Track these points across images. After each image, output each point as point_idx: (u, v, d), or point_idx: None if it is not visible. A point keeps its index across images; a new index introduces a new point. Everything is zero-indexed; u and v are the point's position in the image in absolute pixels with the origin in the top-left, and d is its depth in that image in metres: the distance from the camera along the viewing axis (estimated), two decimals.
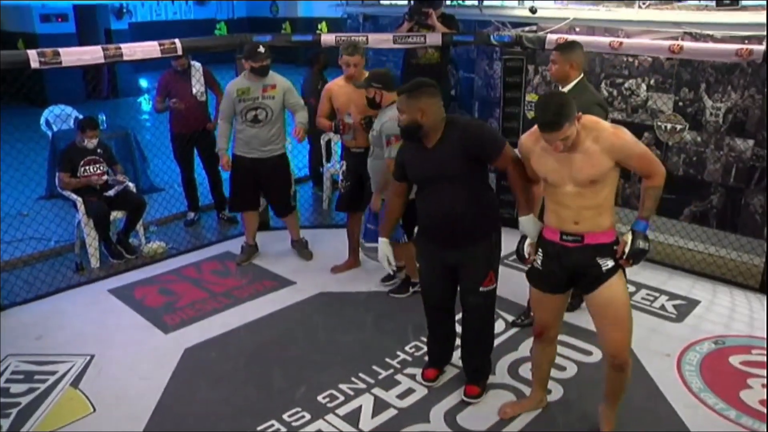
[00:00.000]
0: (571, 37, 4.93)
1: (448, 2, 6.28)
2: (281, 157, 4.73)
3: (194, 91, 5.42)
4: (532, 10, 5.36)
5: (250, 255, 4.91)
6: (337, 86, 4.37)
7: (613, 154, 2.54)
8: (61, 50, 4.09)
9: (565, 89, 3.83)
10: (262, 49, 4.47)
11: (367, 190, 4.21)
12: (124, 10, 13.51)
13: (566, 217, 2.63)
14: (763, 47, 4.11)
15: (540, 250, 2.78)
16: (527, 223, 2.84)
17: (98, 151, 5.00)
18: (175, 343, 3.81)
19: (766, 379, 3.36)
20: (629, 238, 2.59)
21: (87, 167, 4.94)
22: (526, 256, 2.83)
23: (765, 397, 3.24)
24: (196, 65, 5.46)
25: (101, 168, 4.99)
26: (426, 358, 3.49)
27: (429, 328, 3.33)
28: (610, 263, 2.63)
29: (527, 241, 2.84)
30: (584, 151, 2.55)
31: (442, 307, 3.22)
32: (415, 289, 4.19)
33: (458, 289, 3.13)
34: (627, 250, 2.58)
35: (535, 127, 2.64)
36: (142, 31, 12.95)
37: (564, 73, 3.81)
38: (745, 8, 4.50)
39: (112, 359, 3.64)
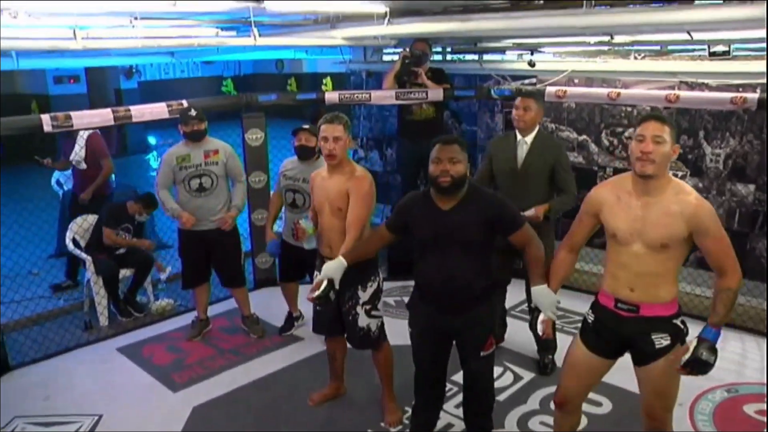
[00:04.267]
0: (570, 89, 5.05)
1: (448, 57, 6.43)
2: (231, 227, 4.46)
3: (71, 156, 5.40)
4: (531, 64, 5.49)
5: (201, 329, 4.64)
6: (318, 178, 3.43)
7: (691, 222, 2.38)
8: (72, 114, 4.19)
9: (528, 138, 3.92)
10: (193, 113, 4.25)
11: (345, 312, 3.40)
12: (134, 71, 13.86)
13: (623, 280, 2.49)
14: (756, 95, 4.20)
15: (592, 312, 2.65)
16: (540, 293, 2.73)
17: (137, 224, 5.12)
18: (184, 401, 3.79)
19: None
20: (693, 344, 2.36)
21: (121, 232, 5.04)
22: (540, 334, 2.76)
23: None
24: (83, 132, 5.27)
25: (129, 237, 5.09)
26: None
27: (417, 393, 3.18)
28: (666, 342, 2.46)
29: (541, 317, 2.72)
30: (663, 208, 2.41)
31: (435, 371, 3.10)
32: (298, 324, 4.61)
33: (452, 353, 3.07)
34: (686, 357, 2.35)
35: (613, 178, 2.60)
36: (151, 90, 13.30)
37: (535, 121, 3.90)
38: (736, 58, 4.59)
39: (121, 419, 3.62)
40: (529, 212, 3.74)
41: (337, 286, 3.01)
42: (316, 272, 3.42)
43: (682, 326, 2.51)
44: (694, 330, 2.48)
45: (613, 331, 2.56)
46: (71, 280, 5.56)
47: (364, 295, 3.27)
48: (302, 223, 3.47)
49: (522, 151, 3.94)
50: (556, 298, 2.72)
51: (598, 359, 2.62)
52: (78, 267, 5.52)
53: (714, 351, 2.36)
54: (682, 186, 2.47)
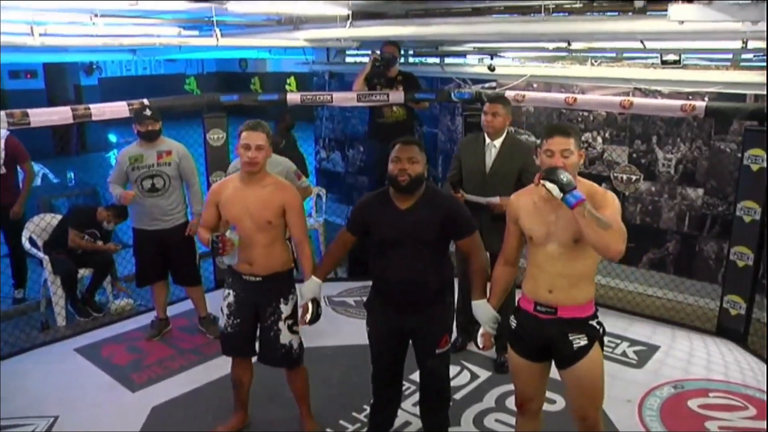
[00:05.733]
0: (528, 94, 5.17)
1: (411, 60, 6.51)
2: (184, 225, 4.43)
3: None
4: (491, 68, 5.60)
5: (160, 329, 4.59)
6: (230, 188, 3.16)
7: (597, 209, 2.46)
8: (30, 111, 4.13)
9: (497, 141, 3.97)
10: (148, 112, 4.20)
11: (265, 328, 3.20)
12: (94, 67, 13.62)
13: (542, 282, 2.58)
14: (704, 103, 4.37)
15: (515, 318, 2.72)
16: (479, 308, 2.83)
17: (104, 231, 5.05)
18: (143, 401, 3.77)
19: None
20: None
21: (86, 237, 4.97)
22: (480, 347, 2.85)
23: None
24: (2, 133, 4.88)
25: (90, 239, 5.01)
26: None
27: (375, 392, 3.21)
28: (583, 341, 2.56)
29: (480, 330, 2.83)
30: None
31: (392, 370, 3.15)
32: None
33: (409, 352, 3.11)
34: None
35: (530, 186, 2.68)
36: (112, 87, 13.08)
37: (504, 125, 3.96)
38: (686, 67, 4.77)
39: (77, 420, 3.59)
40: (493, 199, 3.82)
41: (320, 306, 3.07)
42: (229, 290, 3.21)
43: (598, 327, 2.61)
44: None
45: (534, 335, 2.63)
46: (20, 287, 5.40)
47: (286, 309, 3.16)
48: (229, 235, 3.00)
49: (491, 155, 3.99)
50: (494, 314, 2.80)
51: (532, 363, 2.69)
52: (26, 271, 5.38)
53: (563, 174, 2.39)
54: (591, 184, 2.59)
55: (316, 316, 3.05)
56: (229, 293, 3.22)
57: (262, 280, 3.12)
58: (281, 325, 3.16)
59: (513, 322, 2.72)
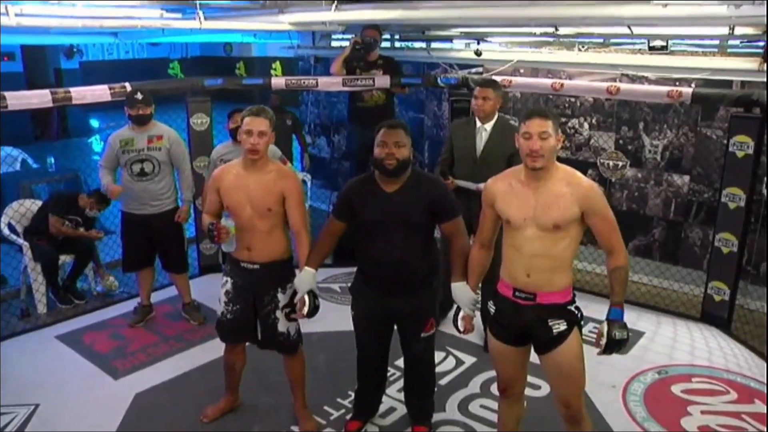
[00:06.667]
0: (515, 79, 5.16)
1: (396, 44, 6.48)
2: (173, 211, 4.43)
3: None
4: (478, 53, 5.59)
5: (144, 316, 4.59)
6: (231, 174, 3.15)
7: (582, 202, 2.50)
8: (7, 94, 4.07)
9: (488, 125, 4.01)
10: (139, 96, 4.18)
11: (263, 316, 3.20)
12: (75, 50, 13.44)
13: (520, 266, 2.58)
14: (691, 89, 4.39)
15: (493, 304, 2.74)
16: (458, 290, 2.84)
17: (87, 218, 4.99)
18: (126, 388, 3.76)
19: None
20: (605, 328, 2.45)
21: (68, 223, 4.90)
22: (461, 329, 2.85)
23: (703, 423, 3.40)
24: None
25: (71, 226, 4.95)
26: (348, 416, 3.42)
27: (360, 378, 3.25)
28: (562, 326, 2.57)
29: (461, 314, 2.83)
30: (554, 192, 2.52)
31: (378, 355, 3.18)
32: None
33: (394, 335, 3.14)
34: (603, 342, 2.45)
35: (508, 170, 2.71)
36: (93, 71, 12.93)
37: (494, 109, 4.00)
38: (674, 53, 4.78)
39: (59, 408, 3.57)
40: (482, 185, 3.81)
41: (318, 297, 3.04)
42: (227, 278, 3.22)
43: (576, 312, 2.63)
44: (596, 306, 2.55)
45: (513, 320, 2.64)
46: None
47: (283, 298, 3.16)
48: (224, 223, 3.07)
49: (481, 139, 4.02)
50: (474, 296, 2.82)
51: (512, 348, 2.70)
52: None
53: (624, 327, 2.46)
54: (573, 171, 2.60)
55: (314, 309, 3.02)
56: (227, 280, 3.22)
57: (260, 267, 3.12)
58: (278, 313, 3.16)
59: (492, 308, 2.73)
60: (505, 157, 3.90)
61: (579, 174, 2.59)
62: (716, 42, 4.79)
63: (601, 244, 2.59)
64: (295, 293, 3.07)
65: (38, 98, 4.28)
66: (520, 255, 2.58)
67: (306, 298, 3.00)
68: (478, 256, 2.82)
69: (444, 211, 2.92)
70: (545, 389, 3.61)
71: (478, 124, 4.03)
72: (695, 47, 4.96)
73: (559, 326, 2.58)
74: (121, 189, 4.26)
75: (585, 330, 4.32)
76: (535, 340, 2.65)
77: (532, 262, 2.56)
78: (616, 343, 2.44)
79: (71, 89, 4.42)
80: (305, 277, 3.02)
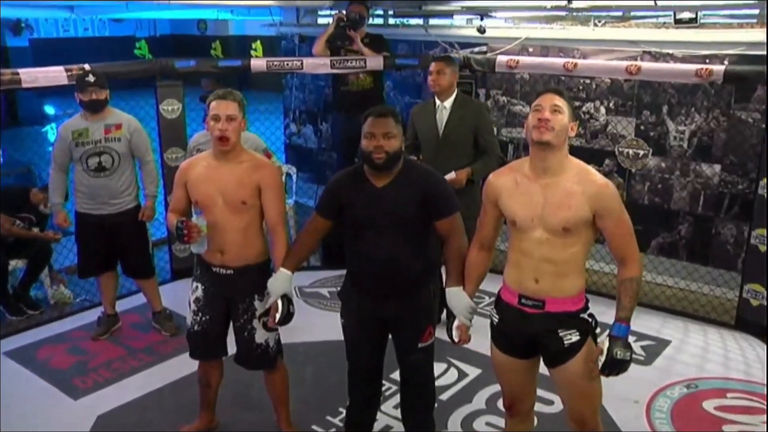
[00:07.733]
0: (522, 59, 5.15)
1: (390, 21, 6.45)
2: (136, 209, 4.38)
3: None
4: (481, 30, 5.55)
5: (109, 327, 4.54)
6: (200, 165, 3.13)
7: (593, 202, 2.45)
8: None
9: (447, 102, 4.32)
10: (92, 78, 4.05)
11: (239, 327, 3.19)
12: (23, 25, 13.29)
13: (527, 270, 2.55)
14: (723, 67, 4.37)
15: (496, 311, 2.72)
16: (454, 296, 2.81)
17: (40, 216, 4.96)
18: (87, 409, 3.72)
19: None
20: (606, 345, 2.44)
21: (19, 222, 4.88)
22: (455, 340, 2.82)
23: None
24: None
25: (24, 226, 4.92)
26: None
27: (351, 392, 3.20)
28: (575, 337, 2.54)
29: (455, 323, 2.79)
30: (564, 189, 2.48)
31: (371, 367, 3.14)
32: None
33: (389, 346, 3.10)
34: (603, 359, 2.43)
35: (512, 162, 2.69)
36: (46, 49, 12.84)
37: (451, 85, 4.31)
38: (704, 26, 4.76)
39: None
40: (450, 175, 4.03)
41: (292, 303, 3.01)
42: (197, 284, 3.20)
43: (590, 320, 2.61)
44: (613, 312, 2.53)
45: (519, 330, 2.62)
46: None
47: (261, 306, 3.13)
48: (195, 220, 2.99)
49: (442, 117, 4.32)
50: (470, 303, 2.79)
51: (518, 361, 2.68)
52: None
53: (628, 347, 2.44)
54: (587, 168, 2.56)
55: (287, 315, 3.00)
56: (197, 287, 3.18)
57: (234, 272, 3.09)
58: (255, 323, 3.14)
59: (495, 317, 2.71)
60: (470, 134, 4.24)
61: (594, 171, 2.56)
62: (755, 12, 4.75)
63: (612, 252, 2.57)
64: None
65: None
66: (527, 258, 2.56)
67: (279, 303, 2.97)
68: (477, 258, 2.80)
69: (438, 206, 2.89)
70: (558, 405, 3.58)
71: (438, 102, 4.33)
72: (729, 18, 4.93)
73: (571, 337, 2.55)
74: (69, 224, 4.33)
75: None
76: (544, 351, 2.63)
77: (541, 264, 2.53)
78: (616, 363, 2.42)
79: (20, 70, 4.38)
80: (280, 280, 3.00)
